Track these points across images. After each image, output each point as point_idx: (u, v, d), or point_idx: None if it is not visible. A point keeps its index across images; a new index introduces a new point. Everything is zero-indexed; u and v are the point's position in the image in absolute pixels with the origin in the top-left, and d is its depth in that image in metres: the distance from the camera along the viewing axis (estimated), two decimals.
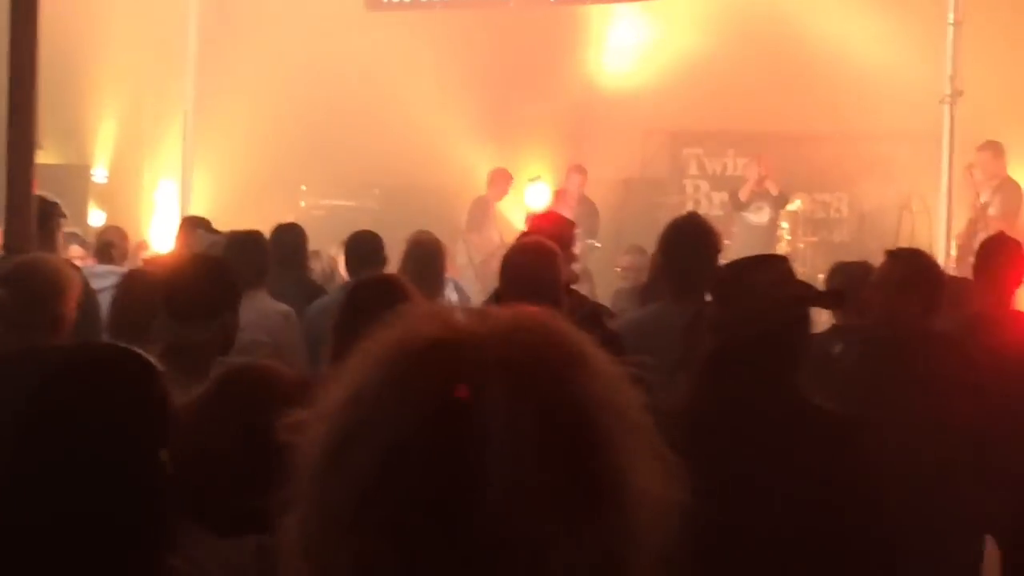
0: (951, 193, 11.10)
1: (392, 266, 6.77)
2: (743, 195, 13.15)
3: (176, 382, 2.34)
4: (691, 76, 13.42)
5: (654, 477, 1.06)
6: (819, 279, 7.41)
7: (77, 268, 7.43)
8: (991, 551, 5.01)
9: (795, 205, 13.01)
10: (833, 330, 5.44)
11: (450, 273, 7.89)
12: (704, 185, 14.61)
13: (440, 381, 1.03)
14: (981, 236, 6.97)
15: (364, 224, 8.38)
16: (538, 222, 6.11)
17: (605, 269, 11.27)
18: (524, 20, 13.86)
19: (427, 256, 6.69)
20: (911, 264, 4.85)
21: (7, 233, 5.54)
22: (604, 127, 13.70)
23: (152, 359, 2.18)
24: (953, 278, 6.03)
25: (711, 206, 14.05)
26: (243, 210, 11.27)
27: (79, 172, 14.13)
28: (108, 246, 8.71)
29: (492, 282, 6.54)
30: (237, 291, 4.30)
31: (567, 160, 13.69)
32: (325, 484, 1.04)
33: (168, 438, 2.19)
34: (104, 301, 5.42)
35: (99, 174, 14.70)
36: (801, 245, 12.86)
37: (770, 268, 3.25)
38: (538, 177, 13.81)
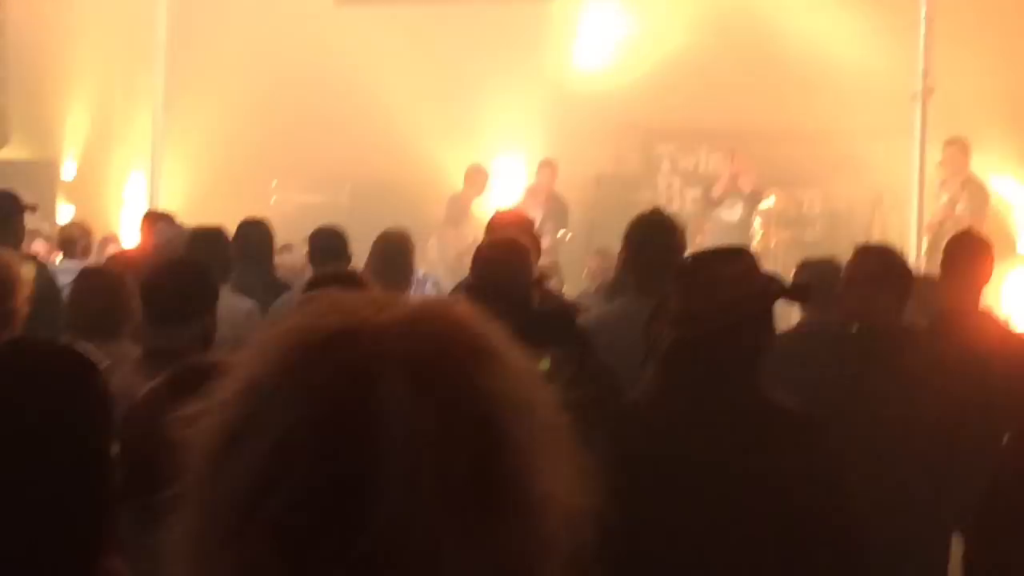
0: (922, 190, 11.11)
1: (361, 262, 6.70)
2: (716, 192, 13.14)
3: None
4: (664, 72, 13.41)
5: (564, 480, 0.98)
6: (791, 276, 7.37)
7: (42, 264, 7.36)
8: (959, 549, 4.98)
9: (768, 202, 12.98)
10: (800, 326, 5.41)
11: (424, 269, 7.82)
12: (677, 182, 14.60)
13: (334, 374, 0.95)
14: (949, 233, 6.93)
15: (335, 219, 8.31)
16: (500, 219, 6.05)
17: (577, 265, 11.22)
18: (496, 15, 13.79)
19: (393, 252, 6.60)
20: (881, 260, 4.82)
21: None
22: (577, 123, 13.65)
23: (89, 354, 2.14)
24: (921, 276, 6.00)
25: (684, 203, 14.05)
26: (213, 205, 11.18)
27: (47, 167, 14.04)
28: (71, 241, 8.63)
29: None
30: (216, 293, 4.38)
31: (539, 156, 13.64)
32: (211, 482, 0.96)
33: (110, 433, 2.17)
34: None
35: (68, 169, 14.60)
36: (774, 242, 12.84)
37: (734, 261, 3.16)
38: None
